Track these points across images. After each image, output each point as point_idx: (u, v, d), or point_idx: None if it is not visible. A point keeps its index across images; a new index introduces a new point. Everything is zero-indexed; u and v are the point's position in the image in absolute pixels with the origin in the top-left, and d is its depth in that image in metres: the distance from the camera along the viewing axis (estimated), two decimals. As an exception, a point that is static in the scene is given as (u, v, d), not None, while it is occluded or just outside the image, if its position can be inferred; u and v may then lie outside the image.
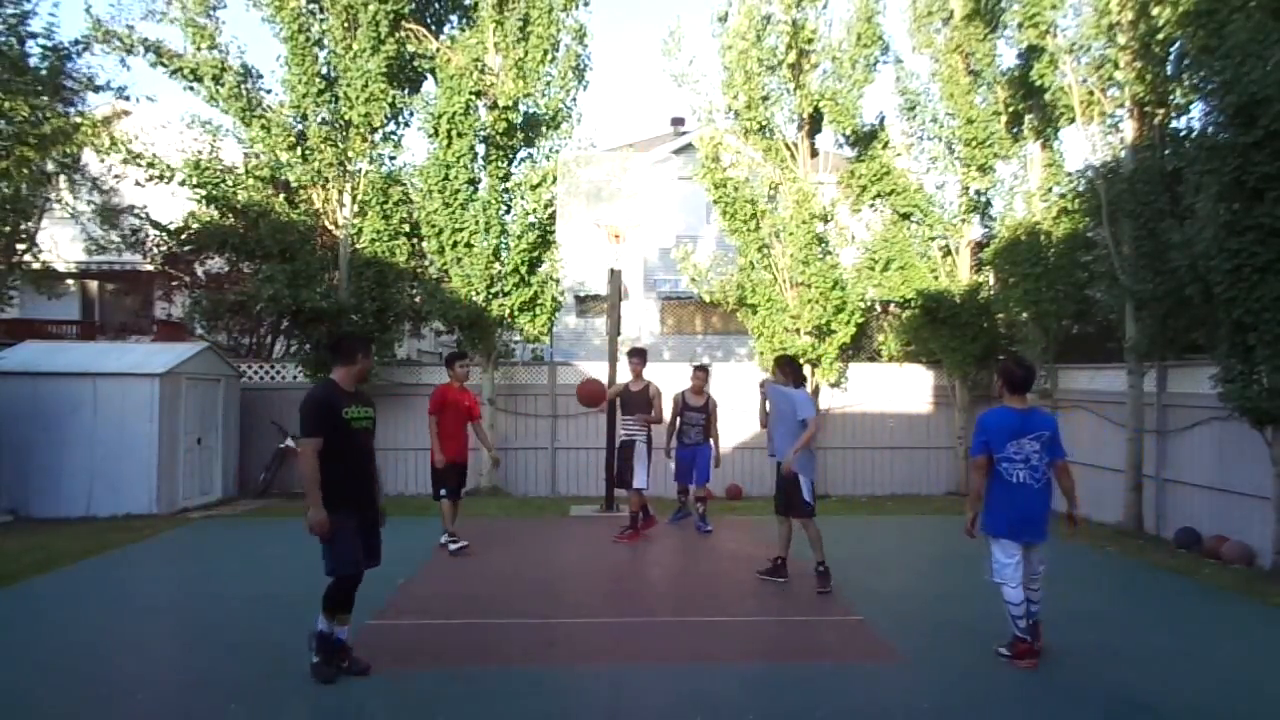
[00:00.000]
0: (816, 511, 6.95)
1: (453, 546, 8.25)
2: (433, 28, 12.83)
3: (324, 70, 12.48)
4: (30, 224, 13.02)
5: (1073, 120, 10.75)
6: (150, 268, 16.85)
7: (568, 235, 12.04)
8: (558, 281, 13.11)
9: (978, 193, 12.99)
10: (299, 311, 11.93)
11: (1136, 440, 9.92)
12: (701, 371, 9.70)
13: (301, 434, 4.81)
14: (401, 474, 13.13)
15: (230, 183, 12.64)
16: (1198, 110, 8.97)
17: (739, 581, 7.39)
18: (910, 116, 13.54)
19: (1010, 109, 12.24)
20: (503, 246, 12.70)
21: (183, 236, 13.42)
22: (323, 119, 12.44)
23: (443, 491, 8.31)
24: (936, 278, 13.15)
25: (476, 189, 12.64)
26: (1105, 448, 10.65)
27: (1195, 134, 8.65)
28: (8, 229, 12.23)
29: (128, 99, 12.73)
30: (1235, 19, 7.44)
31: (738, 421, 12.99)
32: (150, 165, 12.65)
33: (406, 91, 12.90)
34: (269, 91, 12.65)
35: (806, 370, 13.06)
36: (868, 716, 4.51)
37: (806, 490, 6.79)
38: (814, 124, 13.30)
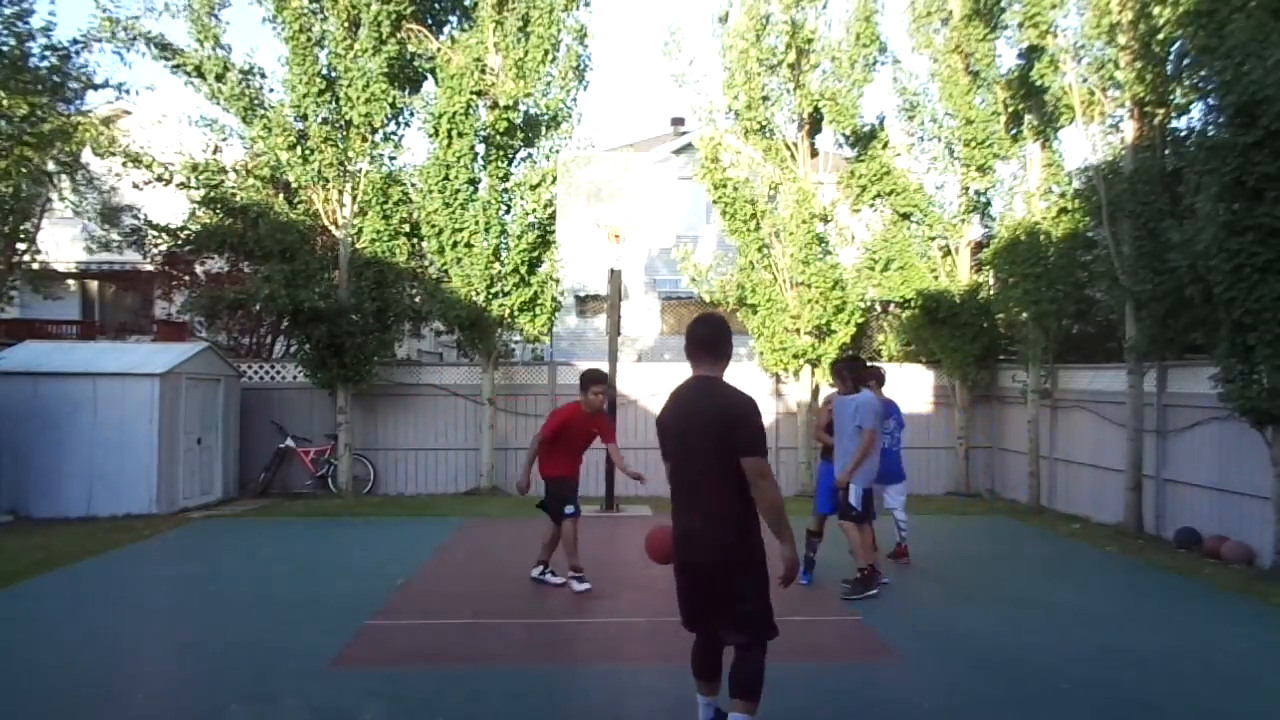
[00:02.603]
0: (853, 516, 6.76)
1: (578, 586, 6.75)
2: (433, 28, 12.81)
3: (325, 70, 12.47)
4: (30, 223, 12.99)
5: (1073, 120, 10.74)
6: (150, 268, 16.84)
7: (568, 235, 12.04)
8: (558, 281, 13.11)
9: (977, 193, 12.99)
10: (297, 311, 11.93)
11: (1136, 440, 9.91)
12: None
13: (757, 452, 3.62)
14: (401, 474, 13.15)
15: (229, 183, 12.64)
16: (1198, 110, 8.99)
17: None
18: (909, 117, 13.53)
19: (1010, 109, 12.22)
20: (503, 246, 12.70)
21: (182, 236, 13.46)
22: (323, 119, 12.43)
23: (569, 509, 6.72)
24: (936, 278, 13.15)
25: (476, 189, 12.64)
26: (1105, 448, 10.65)
27: (1195, 134, 8.64)
28: (8, 229, 12.22)
29: (127, 92, 12.73)
30: (1235, 19, 7.44)
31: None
32: (149, 168, 12.63)
33: (407, 91, 12.88)
34: (271, 90, 12.67)
35: (806, 371, 13.09)
36: (867, 717, 4.50)
37: (855, 497, 6.67)
38: (814, 124, 13.29)
